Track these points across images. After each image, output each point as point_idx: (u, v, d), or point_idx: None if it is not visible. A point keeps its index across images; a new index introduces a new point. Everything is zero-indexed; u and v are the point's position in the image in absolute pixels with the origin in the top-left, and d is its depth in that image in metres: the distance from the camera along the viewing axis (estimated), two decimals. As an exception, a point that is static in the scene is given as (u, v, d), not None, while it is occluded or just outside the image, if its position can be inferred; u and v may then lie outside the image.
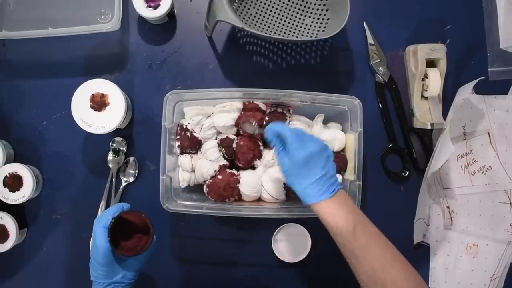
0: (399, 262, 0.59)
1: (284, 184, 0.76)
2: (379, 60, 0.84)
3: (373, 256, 0.58)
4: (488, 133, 0.84)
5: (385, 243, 0.60)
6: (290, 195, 0.77)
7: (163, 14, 0.79)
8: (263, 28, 0.82)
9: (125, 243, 0.64)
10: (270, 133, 0.64)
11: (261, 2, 0.83)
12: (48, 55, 0.84)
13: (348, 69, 0.86)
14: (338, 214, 0.60)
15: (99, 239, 0.61)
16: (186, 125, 0.77)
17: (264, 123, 0.75)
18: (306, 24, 0.83)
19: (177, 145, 0.77)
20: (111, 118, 0.75)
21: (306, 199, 0.62)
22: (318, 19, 0.83)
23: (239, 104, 0.76)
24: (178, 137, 0.77)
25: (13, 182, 0.77)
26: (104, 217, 0.63)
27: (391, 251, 0.59)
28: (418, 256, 0.84)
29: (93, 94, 0.75)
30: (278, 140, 0.63)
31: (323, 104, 0.75)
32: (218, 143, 0.77)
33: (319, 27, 0.82)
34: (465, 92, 0.79)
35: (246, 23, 0.79)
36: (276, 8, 0.83)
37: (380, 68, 0.84)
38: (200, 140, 0.77)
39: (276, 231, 0.81)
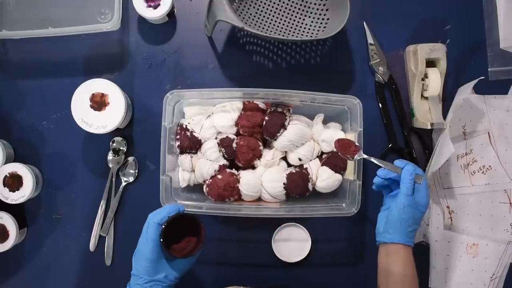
0: None
1: (284, 184, 0.76)
2: (379, 60, 0.84)
3: None
4: (488, 133, 0.84)
5: None
6: (289, 195, 0.77)
7: (163, 14, 0.79)
8: (263, 28, 0.82)
9: (174, 244, 0.64)
10: (409, 168, 0.67)
11: (261, 2, 0.83)
12: (48, 55, 0.84)
13: (348, 69, 0.86)
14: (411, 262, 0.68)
15: (151, 234, 0.61)
16: (186, 125, 0.77)
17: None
18: (306, 24, 0.83)
19: (177, 145, 0.77)
20: (111, 118, 0.75)
21: (393, 238, 0.67)
22: (318, 19, 0.83)
23: (239, 104, 0.76)
24: (178, 137, 0.77)
25: (13, 182, 0.77)
26: (160, 213, 0.63)
27: None
28: (418, 256, 0.83)
29: (93, 94, 0.75)
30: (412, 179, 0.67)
31: (323, 104, 0.75)
32: (218, 143, 0.77)
33: (319, 27, 0.82)
34: (465, 92, 0.79)
35: (246, 23, 0.79)
36: (276, 8, 0.83)
37: (380, 68, 0.84)
38: (200, 140, 0.77)
39: (276, 231, 0.81)
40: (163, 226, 0.61)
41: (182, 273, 0.64)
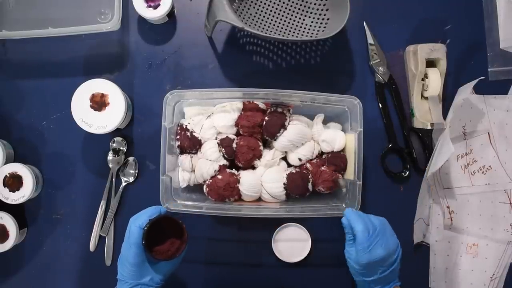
0: None
1: (284, 184, 0.76)
2: (379, 60, 0.84)
3: None
4: (488, 133, 0.84)
5: None
6: (290, 195, 0.77)
7: (163, 14, 0.79)
8: (263, 28, 0.82)
9: (157, 246, 0.64)
10: (345, 221, 0.67)
11: (261, 2, 0.83)
12: (48, 55, 0.84)
13: (348, 69, 0.86)
14: None
15: (133, 239, 0.61)
16: (186, 125, 0.77)
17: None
18: (306, 24, 0.83)
19: (177, 145, 0.77)
20: (111, 118, 0.75)
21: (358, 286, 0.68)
22: (318, 19, 0.83)
23: (239, 104, 0.76)
24: (178, 137, 0.77)
25: (13, 182, 0.77)
26: (141, 217, 0.63)
27: None
28: (418, 256, 0.84)
29: (93, 94, 0.75)
30: (350, 230, 0.66)
31: (323, 104, 0.75)
32: (218, 143, 0.77)
33: (319, 27, 0.82)
34: (465, 92, 0.79)
35: (246, 23, 0.79)
36: (276, 8, 0.83)
37: (380, 68, 0.84)
38: (200, 140, 0.77)
39: (276, 231, 0.81)
40: (145, 229, 0.61)
41: (167, 275, 0.65)
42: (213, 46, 0.85)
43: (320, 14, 0.82)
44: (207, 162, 0.77)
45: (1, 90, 0.84)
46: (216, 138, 0.78)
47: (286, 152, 0.79)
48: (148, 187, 0.82)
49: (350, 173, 0.76)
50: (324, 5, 0.82)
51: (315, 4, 0.83)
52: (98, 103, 0.75)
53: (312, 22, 0.83)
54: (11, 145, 0.83)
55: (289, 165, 0.80)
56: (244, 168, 0.78)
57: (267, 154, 0.78)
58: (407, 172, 0.83)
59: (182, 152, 0.78)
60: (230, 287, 0.83)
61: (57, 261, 0.83)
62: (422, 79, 0.82)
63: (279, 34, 0.82)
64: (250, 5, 0.82)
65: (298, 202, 0.78)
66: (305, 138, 0.77)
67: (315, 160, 0.78)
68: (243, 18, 0.81)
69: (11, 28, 0.80)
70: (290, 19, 0.83)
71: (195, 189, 0.80)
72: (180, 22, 0.85)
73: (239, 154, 0.77)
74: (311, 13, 0.83)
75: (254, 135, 0.77)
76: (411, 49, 0.83)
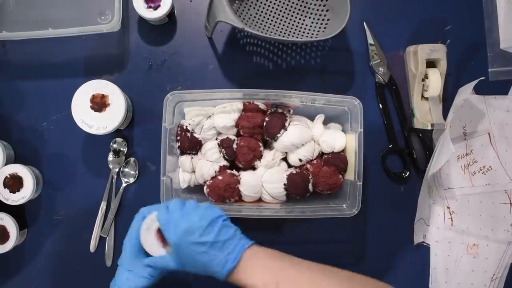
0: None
1: (285, 184, 0.76)
2: (379, 61, 0.84)
3: None
4: (488, 134, 0.84)
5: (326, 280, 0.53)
6: (290, 195, 0.77)
7: (163, 15, 0.79)
8: (263, 29, 0.82)
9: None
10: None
11: (261, 2, 0.83)
12: (48, 56, 0.84)
13: (348, 69, 0.86)
14: (252, 279, 0.55)
15: (135, 228, 0.63)
16: (186, 126, 0.77)
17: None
18: (306, 25, 0.83)
19: (177, 145, 0.77)
20: (111, 119, 0.75)
21: (215, 276, 0.57)
22: (318, 19, 0.83)
23: (239, 105, 0.76)
24: (178, 137, 0.77)
25: (14, 183, 0.77)
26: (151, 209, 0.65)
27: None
28: (419, 257, 0.84)
29: (93, 95, 0.75)
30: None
31: (323, 104, 0.75)
32: (218, 143, 0.77)
33: (319, 27, 0.82)
34: (465, 93, 0.79)
35: (246, 24, 0.79)
36: (276, 9, 0.83)
37: (380, 69, 0.84)
38: (201, 140, 0.77)
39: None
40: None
41: (163, 272, 0.64)
42: (213, 46, 0.85)
43: (320, 15, 0.82)
44: (207, 163, 0.77)
45: (1, 91, 0.84)
46: (216, 139, 0.78)
47: (286, 152, 0.79)
48: (148, 188, 0.82)
49: (351, 173, 0.76)
50: (324, 5, 0.82)
51: (315, 4, 0.83)
52: (99, 104, 0.75)
53: (312, 22, 0.83)
54: (12, 146, 0.83)
55: (289, 166, 0.80)
56: (245, 169, 0.78)
57: (267, 155, 0.78)
58: (408, 173, 0.83)
59: (182, 153, 0.78)
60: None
61: (57, 262, 0.83)
62: (423, 80, 0.82)
63: (279, 35, 0.82)
64: (250, 6, 0.82)
65: (298, 202, 0.78)
66: (306, 139, 0.77)
67: (316, 160, 0.78)
68: (243, 19, 0.81)
69: (11, 29, 0.80)
70: (290, 19, 0.83)
71: (195, 190, 0.80)
72: (180, 23, 0.85)
73: (240, 154, 0.77)
74: (311, 13, 0.83)
75: (255, 135, 0.77)
76: (411, 50, 0.83)
